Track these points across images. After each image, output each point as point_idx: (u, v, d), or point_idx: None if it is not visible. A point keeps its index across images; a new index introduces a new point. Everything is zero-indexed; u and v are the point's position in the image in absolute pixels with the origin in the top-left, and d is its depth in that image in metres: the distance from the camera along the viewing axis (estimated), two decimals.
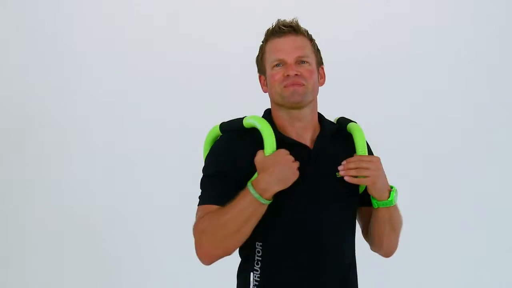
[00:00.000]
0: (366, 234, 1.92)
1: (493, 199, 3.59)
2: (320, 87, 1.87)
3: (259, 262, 1.78)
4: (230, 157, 1.78)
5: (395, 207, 1.80)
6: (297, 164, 1.70)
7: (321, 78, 1.87)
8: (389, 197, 1.76)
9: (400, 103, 3.55)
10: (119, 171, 3.50)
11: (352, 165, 1.74)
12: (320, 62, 1.87)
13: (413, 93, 3.58)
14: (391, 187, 1.79)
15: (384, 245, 1.85)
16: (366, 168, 1.72)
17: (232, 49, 3.49)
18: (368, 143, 1.92)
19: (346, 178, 1.74)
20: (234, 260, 1.86)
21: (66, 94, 3.50)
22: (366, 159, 1.74)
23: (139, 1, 3.54)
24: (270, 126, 1.76)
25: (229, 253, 1.74)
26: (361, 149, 1.79)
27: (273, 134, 1.74)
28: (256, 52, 1.90)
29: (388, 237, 1.82)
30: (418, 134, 3.56)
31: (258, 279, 1.77)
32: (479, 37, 3.63)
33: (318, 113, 1.89)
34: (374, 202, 1.78)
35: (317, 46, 1.86)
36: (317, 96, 1.85)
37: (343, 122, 1.90)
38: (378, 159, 1.76)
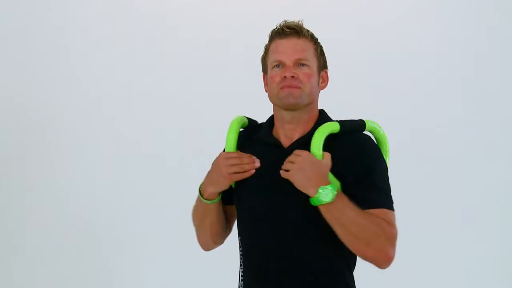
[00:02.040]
0: None
1: (494, 198, 3.55)
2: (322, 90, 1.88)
3: (242, 257, 1.87)
4: None
5: (339, 208, 1.67)
6: (234, 168, 1.77)
7: (323, 81, 1.88)
8: (315, 194, 1.67)
9: (400, 103, 3.52)
10: (120, 172, 3.52)
11: (287, 159, 1.73)
12: (323, 66, 1.87)
13: (413, 93, 3.55)
14: (328, 185, 1.67)
15: (351, 249, 1.72)
16: (291, 162, 1.71)
17: (232, 48, 3.49)
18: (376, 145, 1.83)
19: (280, 171, 1.73)
20: (234, 258, 1.94)
21: (67, 94, 3.52)
22: (296, 153, 1.72)
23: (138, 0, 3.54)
24: (234, 128, 1.86)
25: (211, 245, 1.94)
26: (313, 146, 1.74)
27: (235, 136, 1.84)
28: (255, 52, 1.93)
29: (344, 240, 1.69)
30: (418, 134, 3.53)
31: (243, 274, 1.85)
32: (480, 36, 3.57)
33: (324, 114, 1.88)
34: (310, 199, 1.70)
35: (321, 50, 1.87)
36: (319, 98, 1.86)
37: (351, 129, 1.83)
38: (307, 154, 1.70)
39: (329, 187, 1.66)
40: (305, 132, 1.83)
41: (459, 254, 3.55)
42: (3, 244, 3.50)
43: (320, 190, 1.66)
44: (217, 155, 1.84)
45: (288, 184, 1.72)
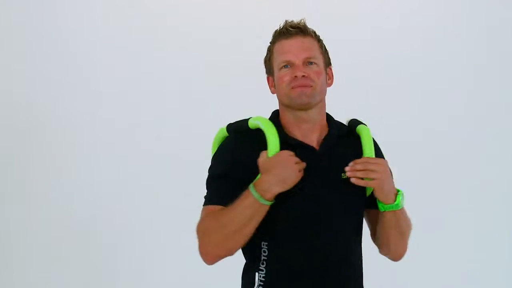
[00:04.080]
0: (374, 236, 1.92)
1: (496, 198, 3.59)
2: (328, 88, 1.86)
3: (264, 262, 1.78)
4: (234, 158, 1.79)
5: (402, 210, 1.79)
6: (300, 165, 1.71)
7: (329, 79, 1.87)
8: (395, 200, 1.76)
9: (402, 104, 3.55)
10: (122, 172, 3.49)
11: (359, 167, 1.73)
12: (328, 63, 1.87)
13: (415, 94, 3.58)
14: (398, 191, 1.78)
15: (391, 249, 1.85)
16: (373, 171, 1.72)
17: (235, 49, 3.49)
18: (379, 146, 1.92)
19: (352, 180, 1.74)
20: (238, 260, 1.86)
21: (67, 94, 3.49)
22: (373, 161, 1.75)
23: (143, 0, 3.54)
24: (274, 127, 1.77)
25: (231, 253, 1.76)
26: (368, 151, 1.80)
27: (277, 135, 1.76)
28: (259, 53, 1.90)
29: (395, 241, 1.81)
30: (419, 134, 3.55)
31: (263, 279, 1.78)
32: (481, 36, 3.62)
33: (327, 114, 1.89)
34: (380, 205, 1.77)
35: (325, 47, 1.86)
36: (325, 97, 1.85)
37: (353, 124, 1.90)
38: (384, 161, 1.77)
39: (401, 192, 1.77)
40: (322, 133, 1.83)
41: (461, 255, 3.58)
42: (3, 244, 3.45)
43: (399, 197, 1.76)
44: (280, 155, 1.72)
45: (331, 187, 1.77)
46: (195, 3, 3.52)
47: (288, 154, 1.71)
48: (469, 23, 3.62)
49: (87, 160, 3.48)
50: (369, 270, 1.94)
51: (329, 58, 1.88)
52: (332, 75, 1.89)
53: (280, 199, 1.71)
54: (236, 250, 1.76)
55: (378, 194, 1.75)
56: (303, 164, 1.72)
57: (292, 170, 1.69)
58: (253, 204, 1.69)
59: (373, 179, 1.73)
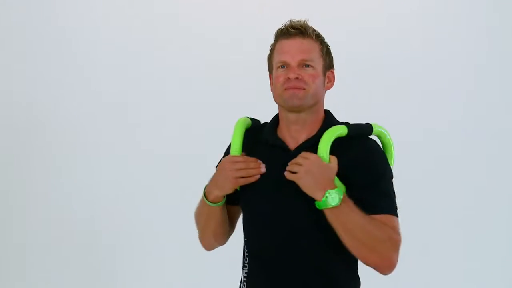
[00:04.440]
0: None
1: (495, 200, 3.59)
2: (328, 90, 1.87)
3: (247, 258, 1.85)
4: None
5: (345, 212, 1.66)
6: (241, 172, 1.75)
7: (329, 82, 1.85)
8: (322, 197, 1.66)
9: (400, 104, 3.53)
10: (122, 172, 3.52)
11: (293, 160, 1.72)
12: (329, 66, 1.85)
13: (413, 95, 3.56)
14: (336, 190, 1.67)
15: (354, 254, 1.71)
16: (298, 164, 1.69)
17: (240, 47, 3.48)
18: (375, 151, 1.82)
19: (285, 173, 1.72)
20: (238, 260, 1.91)
21: (69, 94, 3.51)
22: (303, 155, 1.70)
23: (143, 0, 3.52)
24: (240, 130, 1.85)
25: (213, 246, 1.92)
26: (320, 149, 1.73)
27: (241, 137, 1.83)
28: (261, 51, 1.92)
29: (348, 245, 1.68)
30: (419, 135, 3.55)
31: (246, 275, 1.84)
32: (481, 36, 3.59)
33: (329, 114, 1.87)
34: (315, 203, 1.69)
35: (327, 49, 1.84)
36: (323, 99, 1.84)
37: (358, 133, 1.83)
38: (315, 157, 1.69)
39: (335, 191, 1.65)
40: (311, 134, 1.81)
41: (461, 255, 3.59)
42: (4, 244, 3.51)
43: (326, 194, 1.65)
44: (222, 159, 1.82)
45: (294, 186, 1.70)
46: (195, 3, 3.51)
47: (230, 160, 1.77)
48: (469, 23, 3.59)
49: (87, 160, 3.51)
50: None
51: (331, 61, 1.86)
52: (333, 78, 1.87)
53: (248, 197, 1.80)
54: (217, 243, 1.89)
55: (302, 189, 1.69)
56: (254, 170, 1.76)
57: (226, 177, 1.76)
58: (204, 204, 1.82)
59: (293, 172, 1.69)
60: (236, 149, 1.82)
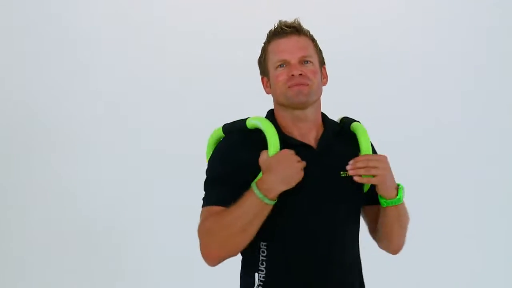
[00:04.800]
0: (373, 232, 1.92)
1: (494, 198, 3.61)
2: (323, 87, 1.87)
3: (264, 262, 1.78)
4: (233, 158, 1.78)
5: (402, 204, 1.81)
6: (302, 164, 1.71)
7: (324, 78, 1.88)
8: (397, 195, 1.77)
9: (398, 103, 3.56)
10: (123, 172, 3.51)
11: (360, 164, 1.74)
12: (322, 62, 1.88)
13: (412, 94, 3.59)
14: (398, 185, 1.79)
15: (394, 243, 1.87)
16: (374, 167, 1.73)
17: (235, 47, 3.51)
18: (372, 143, 1.91)
19: (355, 178, 1.75)
20: (237, 260, 1.86)
21: (70, 93, 3.51)
22: (374, 158, 1.75)
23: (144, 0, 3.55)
24: (273, 127, 1.77)
25: (234, 253, 1.75)
26: (365, 149, 1.81)
27: (277, 134, 1.75)
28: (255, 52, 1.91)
29: (397, 235, 1.84)
30: (418, 133, 3.57)
31: (263, 279, 1.77)
32: (479, 35, 3.64)
33: (322, 112, 1.89)
34: (382, 201, 1.78)
35: (319, 47, 1.87)
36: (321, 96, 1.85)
37: (347, 121, 1.90)
38: (385, 157, 1.77)
39: (401, 186, 1.79)
40: (319, 131, 1.84)
41: (460, 254, 3.60)
42: (4, 244, 3.48)
43: (400, 191, 1.78)
44: (281, 154, 1.72)
45: (329, 185, 1.77)
46: (195, 2, 3.55)
47: (290, 153, 1.71)
48: (469, 22, 3.64)
49: (88, 159, 3.50)
50: (371, 267, 1.96)
51: (323, 57, 1.89)
52: (327, 75, 1.90)
53: (280, 198, 1.71)
54: (239, 251, 1.76)
55: (381, 190, 1.76)
56: (304, 163, 1.72)
57: (294, 169, 1.70)
58: (257, 204, 1.68)
59: (375, 175, 1.73)
60: (277, 145, 1.74)
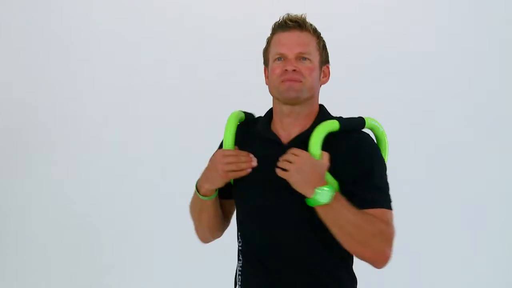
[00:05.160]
0: None
1: (494, 188, 3.60)
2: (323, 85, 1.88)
3: (241, 253, 1.87)
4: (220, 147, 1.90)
5: (337, 209, 1.66)
6: (231, 166, 1.74)
7: (324, 76, 1.87)
8: (312, 195, 1.66)
9: (398, 98, 3.53)
10: (121, 168, 3.53)
11: (284, 157, 1.70)
12: (325, 61, 1.87)
13: (411, 87, 3.56)
14: (328, 187, 1.66)
15: (347, 248, 1.70)
16: (289, 162, 1.68)
17: (234, 41, 3.50)
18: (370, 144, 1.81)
19: (276, 169, 1.70)
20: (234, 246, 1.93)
21: (69, 90, 3.52)
22: (293, 152, 1.69)
23: None
24: (232, 124, 1.84)
25: (209, 237, 1.94)
26: (311, 145, 1.72)
27: (232, 131, 1.82)
28: (256, 45, 1.94)
29: (341, 241, 1.68)
30: (417, 131, 3.55)
31: (241, 268, 1.86)
32: (479, 27, 3.59)
33: (323, 109, 1.87)
34: (306, 200, 1.69)
35: (323, 44, 1.86)
36: (318, 94, 1.85)
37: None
38: (305, 154, 1.67)
39: (326, 188, 1.65)
40: (304, 128, 1.81)
41: (458, 250, 3.59)
42: (4, 240, 3.53)
43: (317, 191, 1.64)
44: (214, 152, 1.82)
45: (286, 182, 1.69)
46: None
47: (221, 154, 1.77)
48: (470, 8, 3.58)
49: (86, 155, 3.52)
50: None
51: (327, 56, 1.88)
52: (329, 73, 1.88)
53: (241, 191, 1.82)
54: (211, 236, 1.92)
55: (293, 186, 1.68)
56: (244, 164, 1.74)
57: (217, 171, 1.75)
58: (197, 197, 1.84)
59: (284, 169, 1.68)
60: (228, 143, 1.81)
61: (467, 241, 3.58)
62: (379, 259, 1.69)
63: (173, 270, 3.52)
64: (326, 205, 1.65)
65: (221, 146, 1.90)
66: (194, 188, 1.86)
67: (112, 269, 3.55)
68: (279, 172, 1.70)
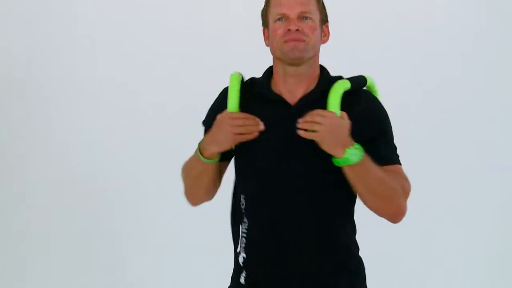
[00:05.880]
0: None
1: (494, 157, 3.59)
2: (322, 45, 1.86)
3: (245, 215, 1.83)
4: (217, 111, 1.83)
5: (364, 167, 1.69)
6: (240, 128, 1.72)
7: (325, 36, 1.86)
8: (343, 154, 1.67)
9: (400, 63, 3.50)
10: (123, 130, 3.49)
11: (308, 118, 1.69)
12: (324, 20, 1.86)
13: (413, 54, 3.54)
14: (355, 145, 1.69)
15: (370, 206, 1.76)
16: (318, 123, 1.67)
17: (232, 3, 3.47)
18: (379, 105, 1.85)
19: (299, 132, 1.69)
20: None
21: (69, 49, 3.48)
22: (320, 113, 1.68)
23: None
24: (237, 84, 1.80)
25: (202, 199, 1.91)
26: (331, 105, 1.72)
27: (237, 93, 1.79)
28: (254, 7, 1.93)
29: (367, 199, 1.73)
30: (418, 94, 3.53)
31: (246, 230, 1.83)
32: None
33: (323, 69, 1.86)
34: (333, 160, 1.70)
35: (322, 3, 1.85)
36: (319, 53, 1.83)
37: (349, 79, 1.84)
38: (333, 114, 1.68)
39: (356, 147, 1.68)
40: (309, 89, 1.81)
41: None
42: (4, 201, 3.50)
43: (349, 151, 1.66)
44: (220, 115, 1.77)
45: (298, 142, 1.71)
46: None
47: (229, 116, 1.74)
48: None
49: (87, 117, 3.48)
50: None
51: (326, 15, 1.87)
52: (328, 32, 1.88)
53: (247, 154, 1.78)
54: (205, 198, 1.90)
55: (322, 147, 1.69)
56: (252, 128, 1.72)
57: (226, 133, 1.73)
58: (198, 160, 1.79)
59: (315, 131, 1.67)
60: (234, 106, 1.78)
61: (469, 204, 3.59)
62: (400, 214, 1.77)
63: (178, 227, 3.48)
64: (356, 164, 1.68)
65: (215, 107, 1.87)
66: (195, 151, 1.81)
67: (115, 230, 3.51)
68: (303, 133, 1.68)
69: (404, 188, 1.75)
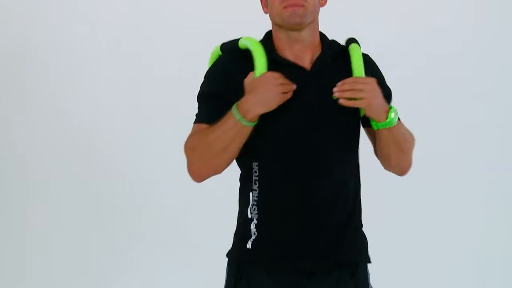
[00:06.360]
0: (376, 153, 1.92)
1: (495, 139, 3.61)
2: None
3: (256, 182, 1.80)
4: (224, 77, 1.80)
5: (398, 126, 1.78)
6: (285, 87, 1.71)
7: None
8: (387, 118, 1.74)
9: (403, 32, 3.53)
10: (123, 96, 3.48)
11: (346, 87, 1.71)
12: None
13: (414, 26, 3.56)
14: (390, 107, 1.77)
15: (393, 165, 1.86)
16: (361, 90, 1.70)
17: None
18: (377, 66, 1.92)
19: (341, 101, 1.72)
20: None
21: (66, 16, 3.46)
22: (361, 80, 1.72)
23: None
24: (262, 48, 1.77)
25: (218, 171, 1.79)
26: (357, 71, 1.77)
27: (265, 55, 1.75)
28: None
29: (395, 157, 1.83)
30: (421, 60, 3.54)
31: (257, 198, 1.80)
32: None
33: (321, 33, 1.88)
34: (373, 124, 1.77)
35: None
36: (318, 17, 1.83)
37: (348, 43, 1.87)
38: (373, 80, 1.74)
39: (394, 110, 1.76)
40: (316, 53, 1.82)
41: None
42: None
43: (391, 114, 1.74)
44: (261, 76, 1.72)
45: (320, 104, 1.76)
46: None
47: (272, 75, 1.71)
48: None
49: (89, 83, 3.46)
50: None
51: None
52: None
53: (268, 119, 1.72)
54: (222, 169, 1.79)
55: (368, 113, 1.74)
56: (290, 87, 1.72)
57: (274, 92, 1.69)
58: (235, 124, 1.70)
59: (361, 98, 1.71)
60: (264, 66, 1.74)
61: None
62: (411, 164, 1.90)
63: (178, 227, 3.46)
64: (395, 125, 1.76)
65: (218, 73, 1.83)
66: (231, 116, 1.71)
67: (114, 230, 3.49)
68: (344, 102, 1.71)
69: (414, 140, 1.88)
